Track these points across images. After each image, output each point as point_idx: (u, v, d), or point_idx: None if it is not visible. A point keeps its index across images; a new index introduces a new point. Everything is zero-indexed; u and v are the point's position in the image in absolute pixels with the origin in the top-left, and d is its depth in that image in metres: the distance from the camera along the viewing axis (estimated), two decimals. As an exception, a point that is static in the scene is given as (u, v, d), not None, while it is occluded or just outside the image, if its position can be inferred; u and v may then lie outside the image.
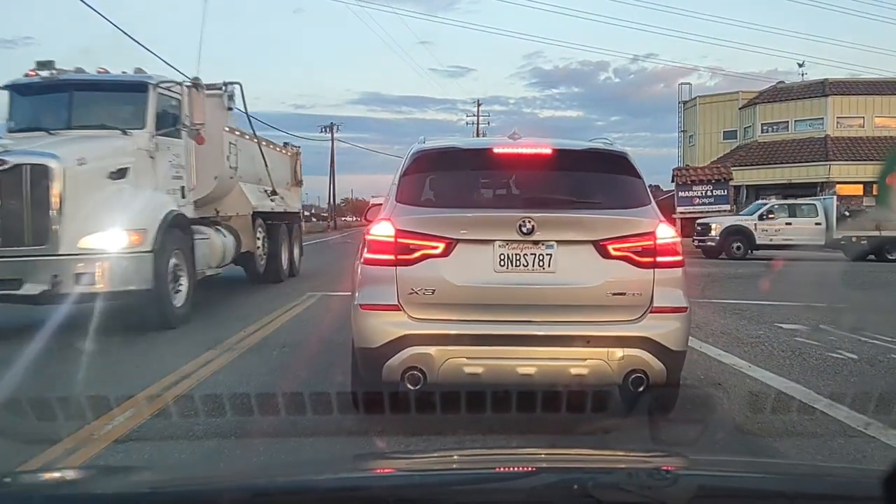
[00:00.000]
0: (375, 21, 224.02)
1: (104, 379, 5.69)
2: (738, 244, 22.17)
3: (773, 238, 21.90)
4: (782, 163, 35.82)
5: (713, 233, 22.53)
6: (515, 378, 4.26)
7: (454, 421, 4.27)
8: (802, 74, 40.53)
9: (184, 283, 8.72)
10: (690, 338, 4.95)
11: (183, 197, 9.35)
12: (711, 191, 26.98)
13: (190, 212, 9.48)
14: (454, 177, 4.82)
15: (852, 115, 36.10)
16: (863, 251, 21.07)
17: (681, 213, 25.64)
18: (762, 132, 38.14)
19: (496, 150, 4.77)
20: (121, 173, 8.26)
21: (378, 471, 1.95)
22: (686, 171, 29.68)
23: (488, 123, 59.30)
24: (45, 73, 9.11)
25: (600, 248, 4.28)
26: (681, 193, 27.28)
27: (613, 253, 4.28)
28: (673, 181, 28.47)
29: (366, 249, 4.38)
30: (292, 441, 4.27)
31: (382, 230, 4.32)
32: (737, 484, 1.69)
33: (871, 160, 31.62)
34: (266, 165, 12.68)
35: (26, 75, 9.15)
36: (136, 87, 9.00)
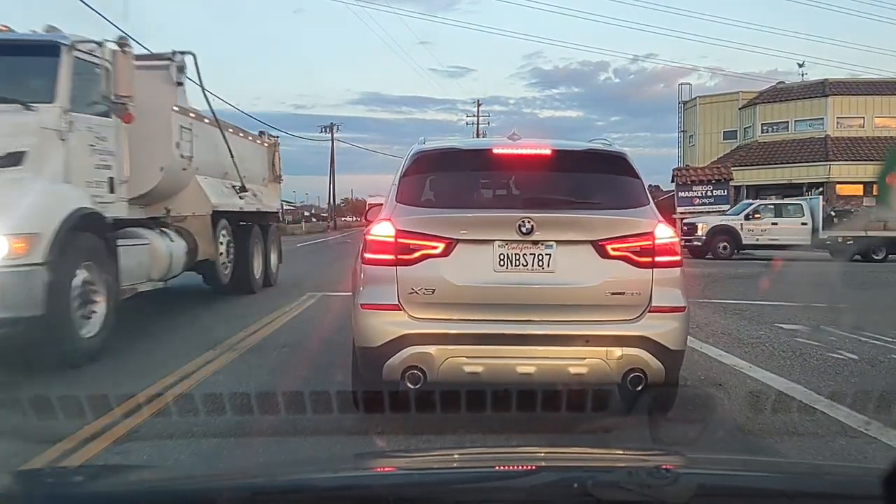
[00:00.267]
0: (375, 21, 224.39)
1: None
2: (725, 244, 22.11)
3: (760, 238, 21.87)
4: (782, 163, 35.84)
5: (699, 232, 22.49)
6: (515, 377, 4.28)
7: (454, 420, 4.28)
8: (802, 75, 40.64)
9: (98, 306, 6.68)
10: (691, 338, 4.96)
11: (111, 191, 7.40)
12: (711, 191, 26.95)
13: (120, 210, 7.58)
14: (454, 177, 4.84)
15: (852, 116, 36.13)
16: (849, 251, 21.04)
17: (681, 213, 25.63)
18: (762, 132, 38.16)
19: (496, 151, 4.80)
20: (14, 159, 6.26)
21: (378, 470, 1.95)
22: (686, 171, 29.68)
23: (488, 124, 59.45)
24: None
25: (599, 248, 4.30)
26: (681, 194, 27.27)
27: (612, 253, 4.30)
28: (673, 181, 28.46)
29: (366, 249, 4.39)
30: (292, 441, 4.27)
31: (383, 230, 4.34)
32: (737, 483, 1.69)
33: (872, 160, 31.64)
34: (232, 156, 10.67)
35: None
36: (44, 50, 6.92)
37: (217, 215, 10.06)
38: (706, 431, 4.42)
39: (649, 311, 4.31)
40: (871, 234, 21.30)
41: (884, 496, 1.33)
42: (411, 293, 4.25)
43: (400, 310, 4.26)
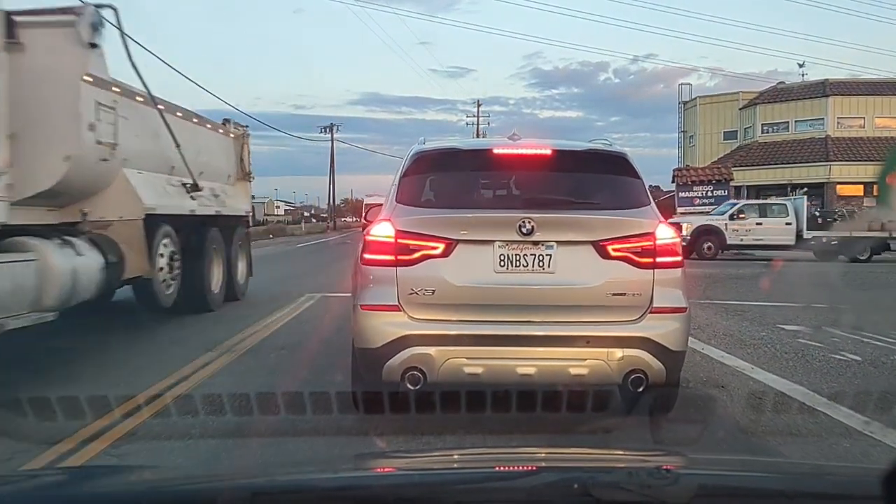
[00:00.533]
0: (375, 21, 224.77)
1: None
2: (709, 244, 22.04)
3: (744, 238, 21.77)
4: (783, 163, 35.83)
5: (683, 232, 22.42)
6: (515, 378, 4.27)
7: (454, 420, 4.27)
8: (803, 75, 40.61)
9: None
10: (693, 340, 4.94)
11: None
12: (712, 191, 26.98)
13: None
14: (454, 177, 4.83)
15: (853, 116, 36.12)
16: (832, 252, 21.03)
17: (681, 213, 25.63)
18: (762, 132, 38.15)
19: (496, 151, 4.80)
20: None
21: (378, 470, 1.95)
22: (686, 171, 29.71)
23: (488, 124, 59.40)
24: None
25: (600, 248, 4.30)
26: (681, 194, 27.30)
27: (613, 253, 4.29)
28: (673, 181, 28.48)
29: (366, 250, 4.38)
30: (291, 442, 4.26)
31: (382, 231, 4.33)
32: (737, 483, 1.68)
33: (872, 160, 31.61)
34: (178, 146, 8.47)
35: None
36: None
37: (155, 220, 7.77)
38: (707, 432, 4.42)
39: (650, 312, 4.30)
40: (855, 234, 21.32)
41: (884, 496, 1.33)
42: (411, 294, 4.24)
43: (400, 311, 4.25)
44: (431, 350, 4.19)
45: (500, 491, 1.55)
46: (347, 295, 4.76)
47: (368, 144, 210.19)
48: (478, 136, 48.69)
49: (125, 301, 8.19)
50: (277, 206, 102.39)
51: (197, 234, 9.32)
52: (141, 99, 7.91)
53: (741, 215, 22.19)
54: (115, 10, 7.14)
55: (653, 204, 4.65)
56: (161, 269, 8.03)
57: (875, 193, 27.71)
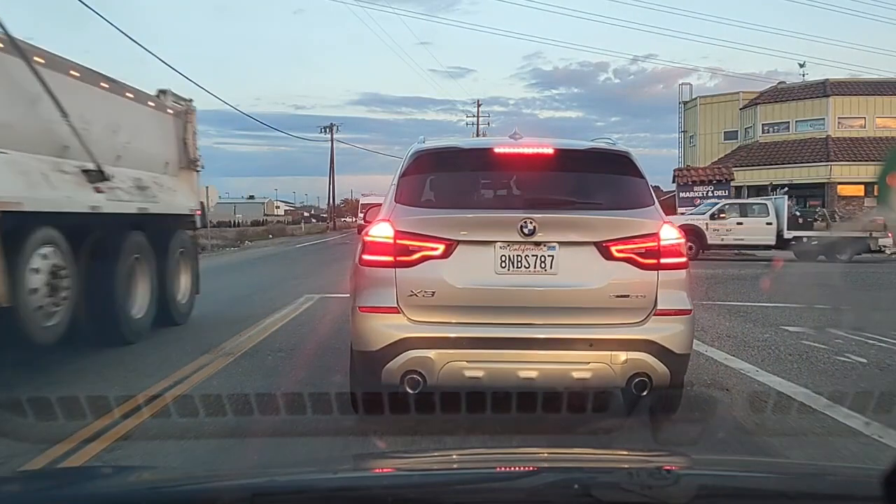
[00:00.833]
0: (375, 21, 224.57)
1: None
2: (690, 244, 21.89)
3: (725, 238, 21.62)
4: (784, 163, 35.81)
5: None
6: (517, 382, 4.21)
7: (454, 421, 4.25)
8: (803, 75, 40.59)
9: None
10: (696, 342, 4.88)
11: None
12: (713, 191, 26.94)
13: None
14: (454, 177, 4.77)
15: (853, 116, 36.10)
16: (813, 252, 20.98)
17: (682, 213, 25.60)
18: (763, 132, 38.13)
19: (497, 150, 4.72)
20: None
21: (378, 471, 1.95)
22: (687, 171, 29.70)
23: (488, 124, 59.26)
24: None
25: (603, 249, 4.24)
26: (682, 194, 27.28)
27: (616, 254, 4.24)
28: (674, 182, 28.46)
29: (365, 251, 4.32)
30: (290, 441, 4.26)
31: (381, 231, 4.28)
32: (738, 483, 1.68)
33: (873, 160, 31.60)
34: (65, 116, 6.28)
35: None
36: None
37: (22, 220, 5.54)
38: (711, 434, 4.39)
39: (655, 314, 4.24)
40: (835, 234, 21.32)
41: (884, 496, 1.33)
42: (411, 296, 4.18)
43: (399, 313, 4.19)
44: (431, 353, 4.13)
45: (500, 491, 1.55)
46: (347, 296, 4.73)
47: (368, 145, 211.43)
48: (478, 136, 48.66)
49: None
50: (277, 207, 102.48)
51: (107, 240, 7.01)
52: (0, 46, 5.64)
53: (722, 215, 22.07)
54: None
55: (657, 204, 4.59)
56: (34, 291, 5.66)
57: (875, 193, 27.71)
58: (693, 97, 43.61)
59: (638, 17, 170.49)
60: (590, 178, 4.76)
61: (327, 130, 56.99)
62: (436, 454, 2.85)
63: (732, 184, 28.51)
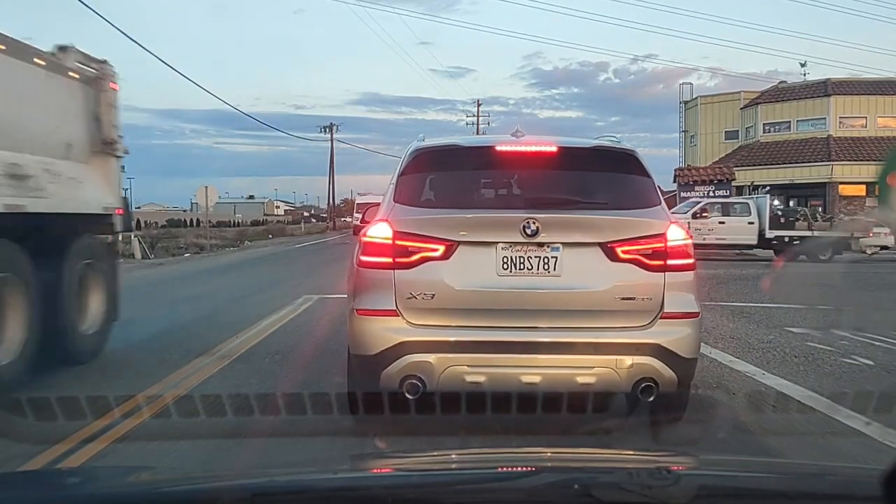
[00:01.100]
0: (375, 21, 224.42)
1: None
2: None
3: (706, 237, 21.23)
4: (785, 163, 35.79)
5: None
6: (519, 386, 4.13)
7: (454, 421, 4.21)
8: (804, 74, 40.57)
9: None
10: (701, 344, 4.79)
11: None
12: (714, 191, 26.89)
13: None
14: (455, 176, 4.65)
15: (855, 116, 36.09)
16: (794, 252, 20.94)
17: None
18: (764, 132, 38.12)
19: (498, 149, 4.60)
20: None
21: (377, 471, 1.95)
22: (688, 171, 29.64)
23: (488, 124, 59.17)
24: None
25: (608, 250, 4.14)
26: (683, 194, 27.22)
27: (622, 255, 4.13)
28: (675, 181, 28.42)
29: (362, 252, 4.23)
30: (290, 441, 4.25)
31: (380, 232, 4.18)
32: (738, 483, 1.68)
33: (874, 160, 31.54)
34: None
35: None
36: None
37: None
38: (708, 433, 4.37)
39: (661, 318, 4.14)
40: (816, 233, 21.30)
41: (884, 496, 1.33)
42: (410, 298, 4.09)
43: (398, 316, 4.09)
44: (431, 357, 4.04)
45: (500, 491, 1.55)
46: (346, 296, 4.70)
47: (368, 144, 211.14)
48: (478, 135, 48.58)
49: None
50: (277, 206, 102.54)
51: None
52: None
53: (704, 214, 21.99)
54: None
55: (663, 203, 4.48)
56: None
57: (876, 193, 27.67)
58: (694, 97, 43.60)
59: (638, 17, 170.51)
60: (594, 177, 4.64)
61: (327, 130, 57.08)
62: (435, 454, 2.84)
63: (733, 183, 28.47)
